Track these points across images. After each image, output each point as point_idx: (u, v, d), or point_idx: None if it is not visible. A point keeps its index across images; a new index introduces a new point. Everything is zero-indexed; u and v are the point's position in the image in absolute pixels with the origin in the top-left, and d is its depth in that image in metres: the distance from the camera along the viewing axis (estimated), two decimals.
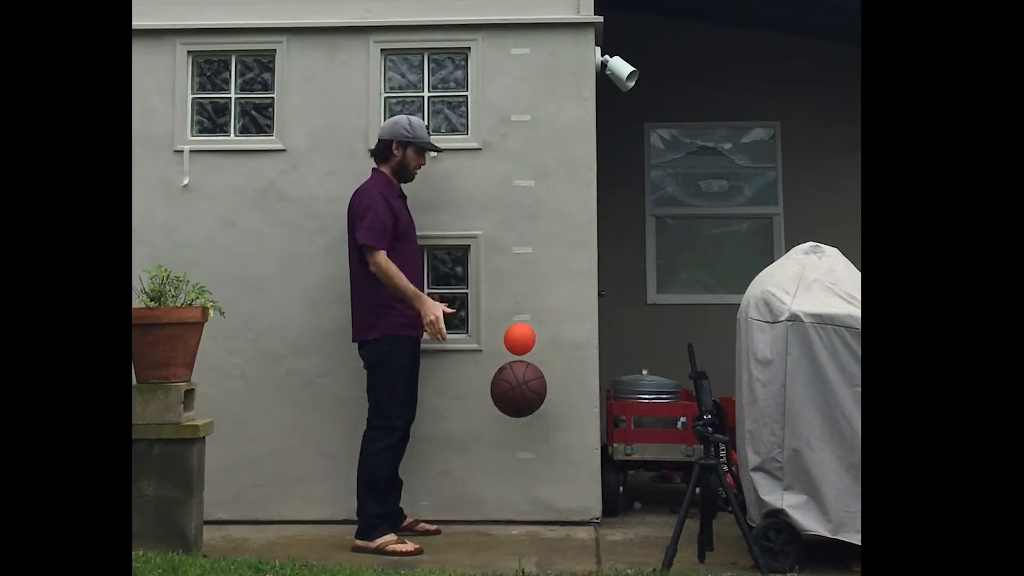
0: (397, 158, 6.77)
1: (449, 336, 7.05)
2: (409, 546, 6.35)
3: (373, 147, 6.91)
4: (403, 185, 6.89)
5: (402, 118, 6.83)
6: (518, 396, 6.67)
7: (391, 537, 6.41)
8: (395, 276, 6.49)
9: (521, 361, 6.80)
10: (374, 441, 6.55)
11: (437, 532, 6.84)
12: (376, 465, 6.52)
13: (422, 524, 6.87)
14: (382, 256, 6.50)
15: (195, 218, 7.36)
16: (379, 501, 6.51)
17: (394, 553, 6.27)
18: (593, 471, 7.13)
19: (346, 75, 7.41)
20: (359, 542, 6.42)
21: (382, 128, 6.88)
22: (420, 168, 6.88)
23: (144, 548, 5.64)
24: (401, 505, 6.87)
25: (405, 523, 6.80)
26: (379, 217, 6.57)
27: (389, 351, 6.57)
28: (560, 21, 7.36)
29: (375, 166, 6.85)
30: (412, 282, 6.62)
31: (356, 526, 6.55)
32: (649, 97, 8.98)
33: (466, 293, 7.27)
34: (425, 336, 6.74)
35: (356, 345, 6.77)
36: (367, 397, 6.65)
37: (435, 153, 7.01)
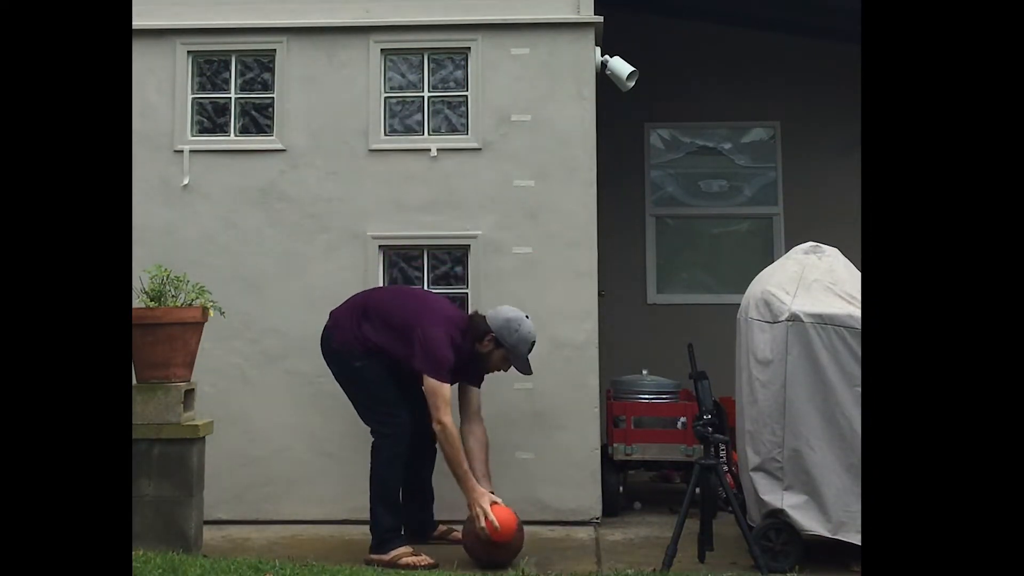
0: (481, 349, 6.41)
1: None
2: (424, 559, 6.11)
3: (474, 315, 6.55)
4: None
5: (518, 319, 6.37)
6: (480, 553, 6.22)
7: (405, 549, 6.17)
8: (456, 448, 6.16)
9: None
10: (382, 450, 6.33)
11: None
12: (388, 476, 6.31)
13: (455, 533, 6.62)
14: (451, 420, 6.16)
15: (195, 218, 7.35)
16: (394, 513, 6.31)
17: (408, 567, 6.05)
18: (593, 471, 7.12)
19: (346, 75, 7.40)
20: (372, 556, 6.18)
21: (496, 313, 6.41)
22: (498, 371, 6.52)
23: (144, 548, 5.61)
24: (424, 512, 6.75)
25: (437, 532, 6.69)
26: (445, 357, 6.23)
27: (362, 366, 6.37)
28: (560, 21, 7.35)
29: (470, 324, 6.47)
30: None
31: (353, 523, 6.50)
32: (649, 97, 8.98)
33: (466, 293, 7.25)
34: None
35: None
36: (359, 416, 6.50)
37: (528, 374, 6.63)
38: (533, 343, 6.45)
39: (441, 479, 6.98)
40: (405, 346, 6.28)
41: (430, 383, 6.17)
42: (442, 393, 6.16)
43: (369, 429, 6.44)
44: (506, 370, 6.51)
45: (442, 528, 6.73)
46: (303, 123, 7.39)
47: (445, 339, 6.25)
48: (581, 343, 7.17)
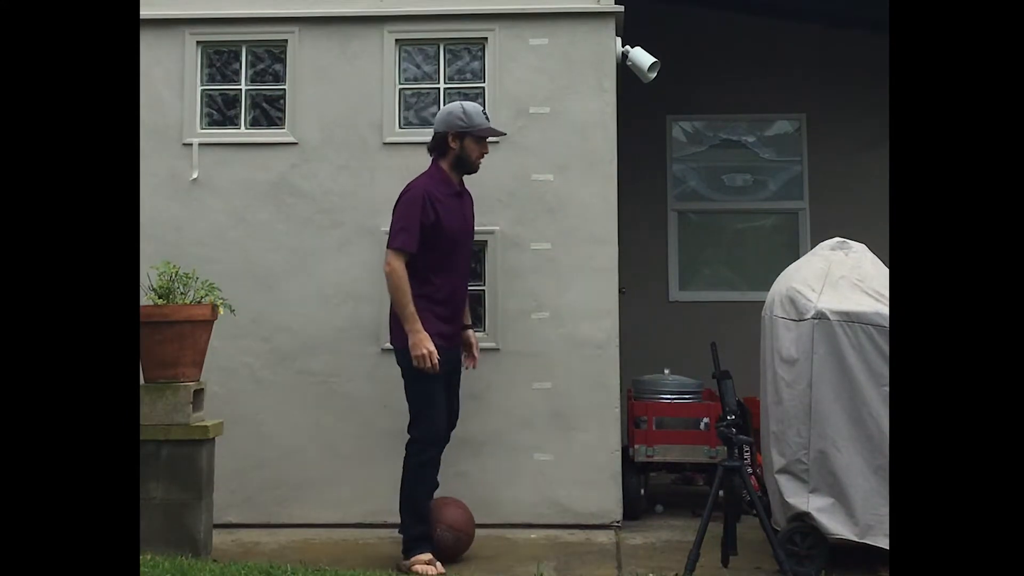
0: (455, 151, 6.34)
1: None
2: (433, 570, 6.01)
3: (429, 143, 6.48)
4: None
5: (456, 106, 6.42)
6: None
7: (422, 557, 6.09)
8: (401, 290, 6.09)
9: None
10: (411, 456, 6.23)
11: None
12: (414, 482, 6.22)
13: None
14: (400, 265, 6.09)
15: (204, 213, 7.28)
16: (420, 520, 6.20)
17: (417, 574, 6.01)
18: (614, 473, 7.04)
19: (359, 66, 7.32)
20: (403, 563, 6.12)
21: (436, 120, 6.45)
22: (483, 157, 6.44)
23: (152, 552, 5.58)
24: None
25: None
26: (411, 218, 6.17)
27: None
28: (580, 10, 7.25)
29: (432, 159, 6.45)
30: (459, 293, 6.38)
31: (367, 527, 6.54)
32: (671, 89, 8.87)
33: (483, 290, 7.16)
34: None
35: (374, 344, 6.73)
36: (407, 404, 6.36)
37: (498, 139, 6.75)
38: (483, 110, 6.47)
39: (456, 480, 6.95)
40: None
41: (391, 257, 6.15)
42: (393, 262, 6.13)
43: (408, 436, 6.33)
44: (486, 152, 6.44)
45: None
46: (315, 116, 7.31)
47: (417, 197, 6.22)
48: (601, 341, 7.08)
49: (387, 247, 6.22)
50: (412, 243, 6.14)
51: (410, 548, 6.14)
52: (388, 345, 6.67)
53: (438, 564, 6.08)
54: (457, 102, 6.55)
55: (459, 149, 6.34)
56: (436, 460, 6.30)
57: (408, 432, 6.29)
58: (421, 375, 6.17)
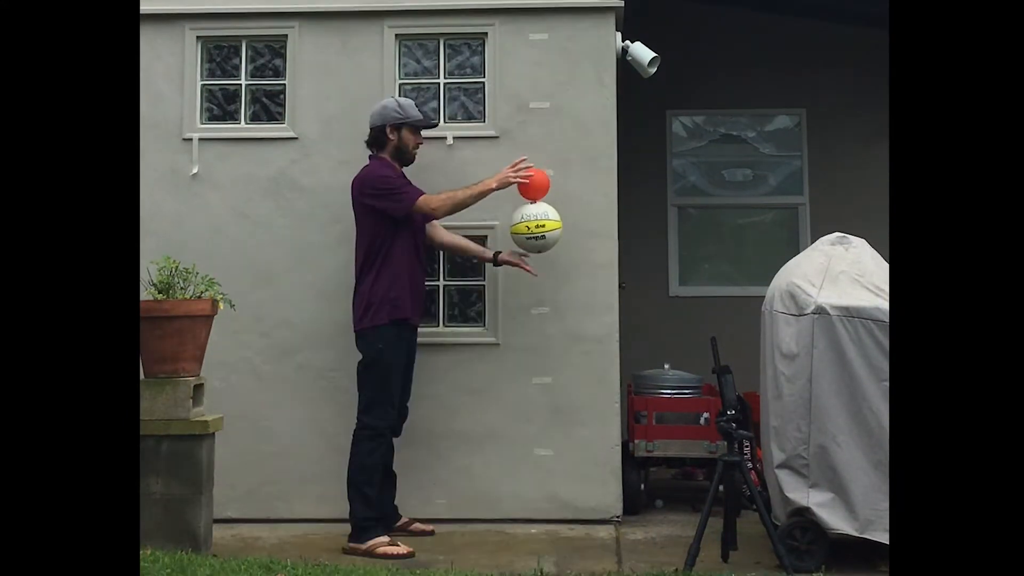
0: (393, 142, 6.63)
1: (465, 330, 7.09)
2: (401, 549, 6.19)
3: (367, 138, 6.73)
4: (406, 170, 6.75)
5: (390, 101, 6.71)
6: None
7: (382, 539, 6.26)
8: (455, 197, 6.54)
9: None
10: (363, 441, 6.41)
11: (431, 533, 6.70)
12: (362, 467, 6.38)
13: (416, 524, 6.74)
14: (432, 199, 6.50)
15: (204, 208, 7.26)
16: (369, 504, 6.36)
17: (385, 556, 6.11)
18: (614, 468, 7.03)
19: (360, 61, 7.31)
20: (350, 544, 6.28)
21: (371, 116, 6.69)
22: (418, 148, 6.71)
23: (152, 547, 5.59)
24: (415, 503, 6.78)
25: (399, 523, 6.68)
26: (400, 179, 6.58)
27: (384, 348, 6.42)
28: (580, 5, 7.24)
29: (371, 154, 6.71)
30: (413, 273, 6.57)
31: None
32: (671, 84, 8.86)
33: (483, 285, 7.16)
34: (437, 329, 6.85)
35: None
36: (358, 393, 6.51)
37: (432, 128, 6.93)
38: (412, 102, 6.80)
39: (456, 476, 7.03)
40: (377, 223, 6.52)
41: (418, 206, 6.49)
42: (425, 202, 6.50)
43: (358, 422, 6.49)
44: (420, 142, 6.73)
45: (404, 520, 6.74)
46: (315, 111, 7.30)
47: (387, 169, 6.62)
48: (601, 337, 7.06)
49: (410, 210, 6.46)
50: (413, 191, 6.51)
51: (363, 530, 6.28)
52: None
53: (400, 544, 6.23)
54: (390, 97, 6.86)
55: (397, 140, 6.64)
56: (387, 446, 6.50)
57: (360, 418, 6.45)
58: (382, 364, 6.39)
